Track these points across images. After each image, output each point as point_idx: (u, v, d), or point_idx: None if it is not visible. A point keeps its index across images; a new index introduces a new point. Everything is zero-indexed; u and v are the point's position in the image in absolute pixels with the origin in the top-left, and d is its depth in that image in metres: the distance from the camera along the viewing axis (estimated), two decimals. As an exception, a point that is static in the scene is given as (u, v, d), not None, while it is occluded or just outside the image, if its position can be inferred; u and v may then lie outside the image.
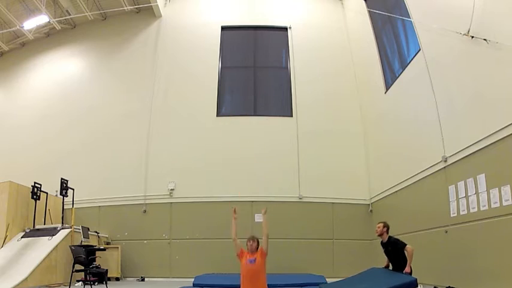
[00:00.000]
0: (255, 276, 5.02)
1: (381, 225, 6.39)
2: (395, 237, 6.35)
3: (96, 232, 10.71)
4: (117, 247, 10.72)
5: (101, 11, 13.66)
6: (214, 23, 13.34)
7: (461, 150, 6.66)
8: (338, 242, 10.99)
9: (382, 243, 6.44)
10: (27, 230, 9.62)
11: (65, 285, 8.31)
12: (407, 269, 5.80)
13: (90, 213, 11.33)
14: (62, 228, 9.60)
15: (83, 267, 7.82)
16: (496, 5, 5.87)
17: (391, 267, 6.47)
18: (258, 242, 5.22)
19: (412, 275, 5.67)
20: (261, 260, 5.09)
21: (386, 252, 6.38)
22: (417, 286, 5.46)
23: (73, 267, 7.75)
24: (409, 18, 8.67)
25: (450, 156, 7.06)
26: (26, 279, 7.61)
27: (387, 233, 6.34)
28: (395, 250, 6.14)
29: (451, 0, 7.28)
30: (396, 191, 9.46)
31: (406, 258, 5.94)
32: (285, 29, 13.23)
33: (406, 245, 5.98)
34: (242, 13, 13.58)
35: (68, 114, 12.80)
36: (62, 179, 10.40)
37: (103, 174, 11.84)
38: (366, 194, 11.42)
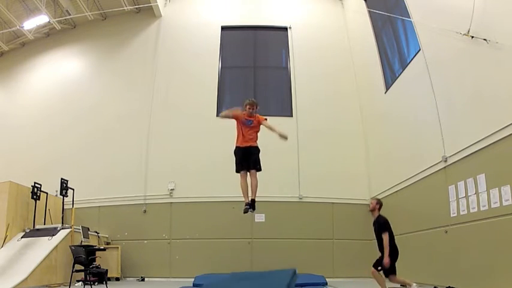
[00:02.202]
0: (251, 135, 5.71)
1: (374, 201, 6.59)
2: (385, 219, 6.30)
3: (96, 232, 10.70)
4: (117, 247, 10.71)
5: (101, 11, 13.66)
6: (214, 23, 13.33)
7: (461, 150, 6.67)
8: (338, 242, 10.98)
9: (373, 221, 6.48)
10: (27, 230, 9.61)
11: (65, 285, 8.31)
12: (385, 260, 5.86)
13: (90, 213, 11.31)
14: (62, 228, 9.58)
15: (83, 267, 7.81)
16: (496, 5, 5.88)
17: None
18: (256, 106, 5.56)
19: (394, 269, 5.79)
20: (257, 124, 5.75)
21: (374, 230, 6.40)
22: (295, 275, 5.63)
23: (73, 267, 7.74)
24: (409, 18, 8.67)
25: (450, 156, 7.06)
26: (26, 279, 7.60)
27: (379, 210, 6.41)
28: (377, 230, 6.24)
29: (451, 0, 7.28)
30: (396, 191, 9.46)
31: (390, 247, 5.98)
32: (285, 29, 13.22)
33: (385, 231, 6.04)
34: (242, 13, 13.58)
35: (68, 114, 12.80)
36: (61, 179, 10.40)
37: (103, 174, 11.84)
38: (366, 194, 11.41)
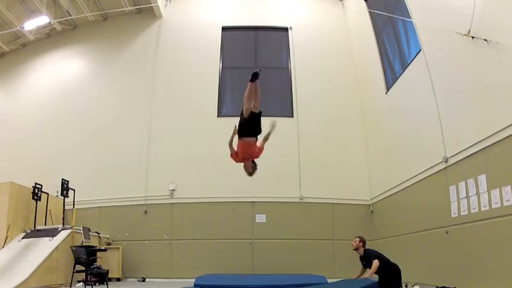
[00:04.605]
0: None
1: (357, 239, 6.70)
2: (371, 249, 6.61)
3: (97, 233, 10.72)
4: (118, 248, 10.72)
5: (102, 12, 13.67)
6: (215, 23, 13.34)
7: (462, 150, 6.67)
8: (339, 242, 10.97)
9: (360, 257, 6.69)
10: (28, 231, 9.61)
11: (66, 286, 8.32)
12: (368, 275, 6.18)
13: (91, 214, 11.32)
14: (63, 229, 9.59)
15: (83, 268, 7.83)
16: (497, 5, 5.87)
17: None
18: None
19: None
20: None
21: (364, 266, 6.56)
22: None
23: (74, 267, 7.76)
24: (410, 18, 8.67)
25: (451, 156, 7.06)
26: (27, 279, 7.60)
27: (363, 247, 6.57)
28: (369, 263, 6.35)
29: (452, 1, 7.28)
30: (397, 192, 9.45)
31: (385, 270, 6.18)
32: (286, 29, 13.22)
33: (375, 259, 6.24)
34: (243, 14, 13.58)
35: (69, 115, 12.80)
36: (62, 179, 10.41)
37: (104, 175, 11.84)
38: (366, 195, 11.42)
